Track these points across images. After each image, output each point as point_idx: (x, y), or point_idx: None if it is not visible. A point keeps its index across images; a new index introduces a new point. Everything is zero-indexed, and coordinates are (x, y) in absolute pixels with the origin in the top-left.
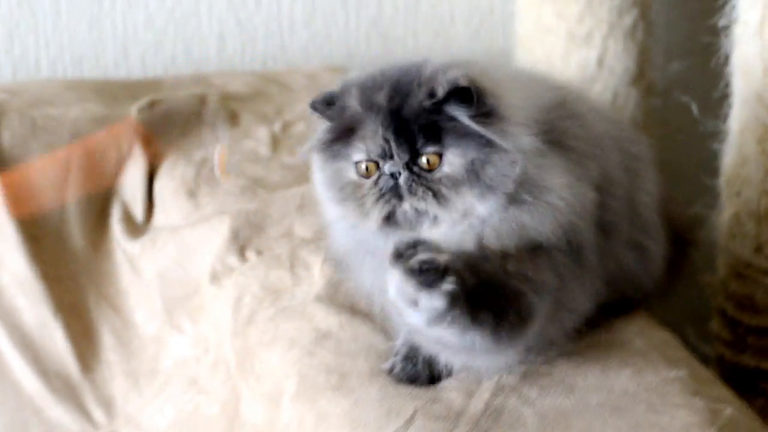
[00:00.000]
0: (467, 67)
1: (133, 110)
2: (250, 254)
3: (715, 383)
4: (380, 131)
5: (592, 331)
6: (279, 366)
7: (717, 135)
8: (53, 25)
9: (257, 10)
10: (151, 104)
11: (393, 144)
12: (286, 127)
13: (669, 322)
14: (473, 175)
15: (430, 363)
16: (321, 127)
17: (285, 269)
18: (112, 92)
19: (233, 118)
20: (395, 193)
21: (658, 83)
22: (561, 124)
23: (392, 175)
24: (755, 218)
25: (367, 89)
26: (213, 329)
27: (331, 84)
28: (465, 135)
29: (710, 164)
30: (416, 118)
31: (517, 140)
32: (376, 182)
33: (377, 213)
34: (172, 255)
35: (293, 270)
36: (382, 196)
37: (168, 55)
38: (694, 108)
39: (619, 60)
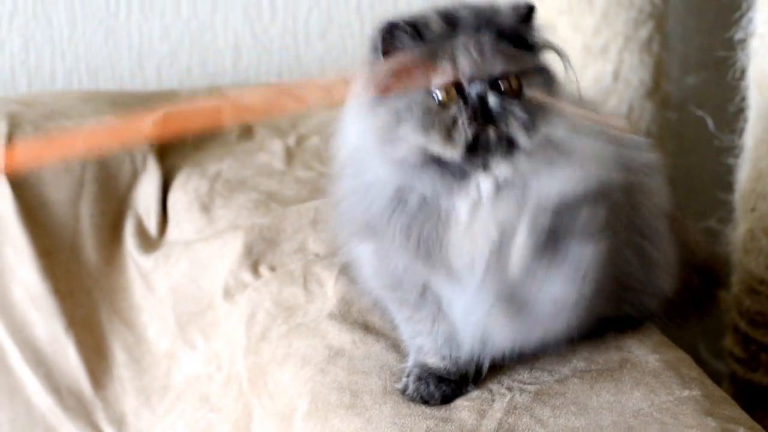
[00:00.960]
0: None
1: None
2: (264, 270)
3: (729, 403)
4: (472, 45)
5: (605, 350)
6: (291, 384)
7: (732, 149)
8: (69, 36)
9: (273, 22)
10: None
11: (487, 58)
12: (301, 140)
13: (682, 338)
14: (552, 95)
15: (443, 383)
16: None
17: (298, 285)
18: (127, 104)
19: (248, 132)
20: (485, 115)
21: (674, 96)
22: None
23: (479, 98)
24: None
25: (446, 13)
26: (226, 346)
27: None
28: (536, 65)
29: (725, 179)
30: (497, 41)
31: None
32: (465, 104)
33: (464, 136)
34: (185, 270)
35: (306, 286)
36: (474, 117)
37: (183, 66)
38: (710, 122)
39: (635, 73)
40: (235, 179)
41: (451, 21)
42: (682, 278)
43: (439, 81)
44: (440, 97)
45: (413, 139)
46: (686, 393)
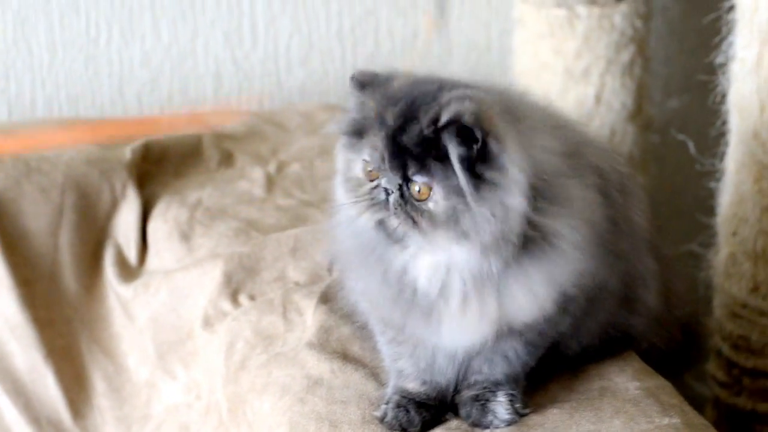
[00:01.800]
0: (487, 99)
1: (127, 151)
2: (243, 299)
3: (709, 430)
4: (380, 147)
5: (585, 378)
6: (270, 414)
7: (714, 173)
8: (49, 63)
9: (254, 48)
10: (146, 145)
11: (387, 165)
12: (281, 167)
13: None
14: (453, 219)
15: (422, 409)
16: (351, 107)
17: (278, 315)
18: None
19: (228, 159)
20: (385, 207)
21: (656, 120)
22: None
23: (386, 190)
24: (751, 258)
25: (386, 99)
26: (205, 375)
27: (328, 122)
28: (452, 176)
29: (707, 203)
30: (417, 145)
31: (506, 196)
32: (372, 189)
33: (369, 216)
34: (165, 299)
35: (286, 315)
36: (374, 204)
37: (164, 93)
38: (691, 146)
39: (617, 96)
40: (215, 207)
41: (386, 105)
42: (666, 326)
43: (363, 157)
44: (365, 170)
45: (339, 195)
46: (666, 421)
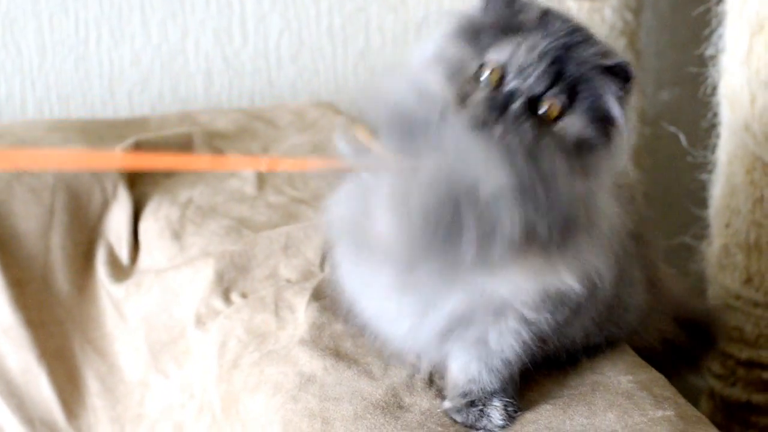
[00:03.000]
0: None
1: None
2: (235, 297)
3: (703, 422)
4: (537, 49)
5: (577, 373)
6: (263, 412)
7: (705, 165)
8: (39, 65)
9: (244, 46)
10: (136, 144)
11: (539, 69)
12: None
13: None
14: (577, 150)
15: None
16: (467, 14)
17: (270, 312)
18: (97, 132)
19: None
20: (497, 113)
21: (648, 112)
22: None
23: (509, 95)
24: (744, 250)
25: (551, 15)
26: (198, 374)
27: (320, 119)
28: (595, 110)
29: (700, 195)
30: (577, 65)
31: (616, 155)
32: (492, 90)
33: (473, 111)
34: (157, 298)
35: (278, 313)
36: (487, 105)
37: (155, 92)
38: (683, 138)
39: None
40: (206, 206)
41: (548, 17)
42: (664, 333)
43: (491, 57)
44: (483, 72)
45: (437, 80)
46: (660, 413)
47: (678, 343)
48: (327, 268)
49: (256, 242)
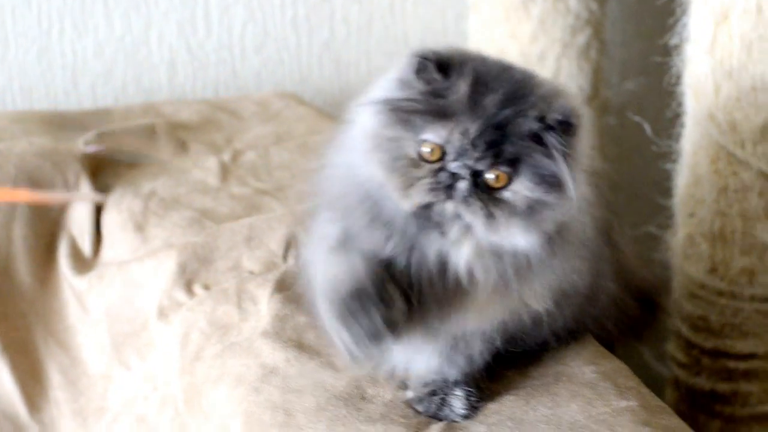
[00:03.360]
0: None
1: (81, 143)
2: (198, 289)
3: (667, 412)
4: (473, 133)
5: (540, 363)
6: (225, 404)
7: (670, 155)
8: (2, 56)
9: (208, 37)
10: (99, 136)
11: (478, 151)
12: (236, 156)
13: (625, 343)
14: (530, 210)
15: None
16: (398, 80)
17: (232, 304)
18: (59, 124)
19: (182, 148)
20: (448, 192)
21: (613, 102)
22: None
23: (453, 175)
24: (709, 239)
25: (480, 84)
26: (161, 366)
27: (284, 110)
28: (540, 170)
29: (664, 184)
30: (511, 132)
31: (580, 188)
32: (435, 173)
33: (419, 199)
34: (120, 291)
35: (240, 305)
36: (434, 189)
37: (119, 83)
38: (647, 127)
39: (573, 79)
40: (169, 197)
41: (479, 90)
42: (620, 306)
43: (427, 137)
44: (422, 151)
45: (378, 171)
46: (623, 404)
47: (629, 315)
48: (290, 260)
49: (219, 234)
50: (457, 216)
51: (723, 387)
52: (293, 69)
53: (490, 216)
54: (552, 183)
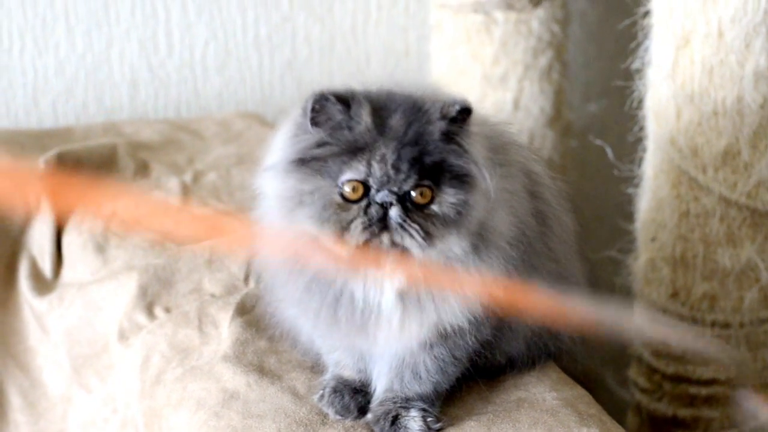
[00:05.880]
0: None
1: (41, 162)
2: (159, 311)
3: None
4: (391, 157)
5: (502, 389)
6: (186, 428)
7: (632, 179)
8: None
9: (169, 56)
10: (59, 156)
11: (402, 173)
12: (197, 177)
13: (589, 368)
14: (458, 215)
15: (358, 395)
16: (297, 133)
17: (193, 327)
18: (19, 143)
19: (144, 169)
20: (383, 223)
21: (576, 124)
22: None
23: (382, 205)
24: (670, 264)
25: (381, 109)
26: (121, 389)
27: (246, 130)
28: (457, 174)
29: (626, 208)
30: (426, 143)
31: (484, 182)
32: (365, 210)
33: (357, 240)
34: (80, 312)
35: (201, 328)
36: (369, 225)
37: (79, 102)
38: (609, 151)
39: (535, 101)
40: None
41: (380, 115)
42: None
43: (348, 177)
44: (345, 193)
45: (308, 227)
46: (584, 430)
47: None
48: (251, 282)
49: (180, 256)
50: (394, 245)
51: (684, 412)
52: (255, 88)
53: (426, 235)
54: (469, 182)
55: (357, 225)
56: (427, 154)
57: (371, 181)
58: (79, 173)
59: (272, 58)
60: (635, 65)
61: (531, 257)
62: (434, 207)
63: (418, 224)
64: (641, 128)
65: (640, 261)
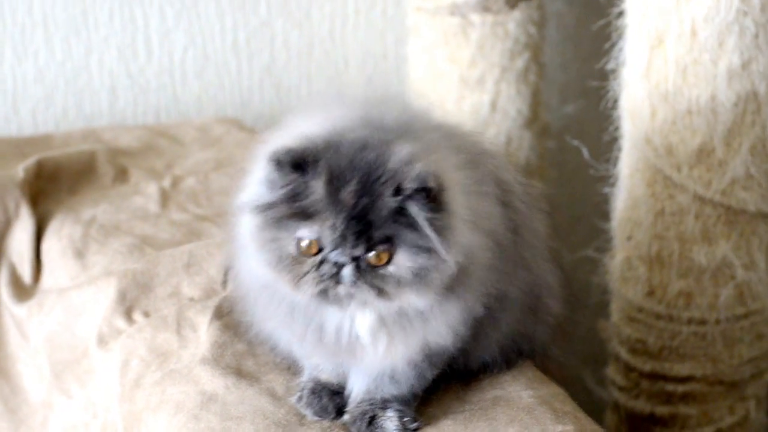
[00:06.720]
0: (428, 151)
1: (20, 169)
2: (138, 316)
3: None
4: (339, 227)
5: (478, 388)
6: (165, 431)
7: (608, 178)
8: None
9: (148, 62)
10: (38, 163)
11: (349, 242)
12: (176, 182)
13: (567, 366)
14: (417, 277)
15: (336, 396)
16: (264, 181)
17: (172, 331)
18: (1, 151)
19: (123, 174)
20: (336, 278)
21: (553, 126)
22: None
23: (336, 263)
24: (647, 262)
25: (336, 179)
26: (101, 393)
27: (225, 135)
28: (416, 237)
29: (602, 208)
30: (378, 217)
31: (461, 238)
32: (318, 266)
33: (311, 292)
34: (60, 318)
35: (180, 332)
36: (322, 280)
37: (59, 109)
38: (585, 151)
39: (512, 103)
40: (109, 224)
41: (335, 185)
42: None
43: (301, 235)
44: (301, 247)
45: (267, 270)
46: (560, 428)
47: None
48: (229, 286)
49: (159, 260)
50: (351, 296)
51: (662, 410)
52: (234, 93)
53: (380, 292)
54: (430, 249)
55: (309, 279)
56: (375, 228)
57: (323, 242)
58: (58, 180)
59: (251, 63)
60: (610, 65)
61: (505, 266)
62: (390, 269)
63: (372, 285)
64: (617, 128)
65: (616, 260)
